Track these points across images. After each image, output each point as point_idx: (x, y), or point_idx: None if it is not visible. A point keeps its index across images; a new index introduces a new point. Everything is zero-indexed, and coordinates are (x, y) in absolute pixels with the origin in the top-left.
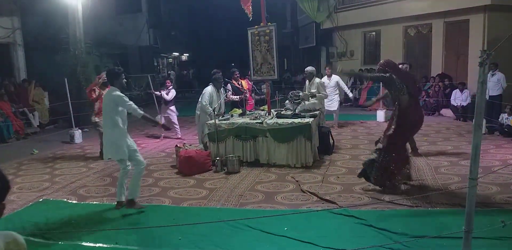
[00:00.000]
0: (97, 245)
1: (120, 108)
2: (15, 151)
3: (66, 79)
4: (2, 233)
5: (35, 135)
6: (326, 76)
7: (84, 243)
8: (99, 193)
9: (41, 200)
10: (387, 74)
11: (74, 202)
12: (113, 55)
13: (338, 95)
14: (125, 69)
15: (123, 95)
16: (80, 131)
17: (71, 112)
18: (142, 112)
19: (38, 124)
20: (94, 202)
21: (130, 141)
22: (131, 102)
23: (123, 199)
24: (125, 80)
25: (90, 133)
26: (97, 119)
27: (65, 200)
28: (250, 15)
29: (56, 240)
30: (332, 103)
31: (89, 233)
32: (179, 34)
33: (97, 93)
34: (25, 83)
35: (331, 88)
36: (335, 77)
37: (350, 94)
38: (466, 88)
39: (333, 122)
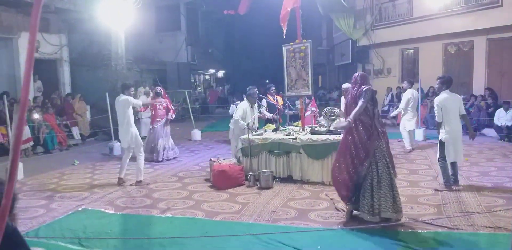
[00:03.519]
0: None
1: (129, 108)
2: (58, 161)
3: (107, 93)
4: None
5: (76, 147)
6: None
7: None
8: (135, 204)
9: (80, 209)
10: (367, 87)
11: (111, 212)
12: (152, 71)
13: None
14: (163, 85)
15: (128, 98)
16: (118, 143)
17: (111, 125)
18: (140, 102)
19: (79, 137)
20: (130, 213)
21: (138, 135)
22: (133, 101)
23: (123, 175)
24: (133, 92)
25: None
26: (156, 125)
27: (103, 210)
28: (284, 32)
29: (93, 248)
30: (410, 121)
31: (123, 243)
32: (216, 52)
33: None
34: (69, 97)
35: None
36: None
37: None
38: (511, 107)
39: (407, 144)
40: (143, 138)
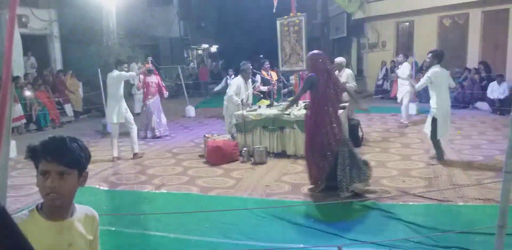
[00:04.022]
0: (127, 230)
1: (121, 83)
2: None
3: (99, 70)
4: (84, 207)
5: (70, 124)
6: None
7: (114, 228)
8: (129, 181)
9: None
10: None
11: (106, 188)
12: (145, 46)
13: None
14: (156, 60)
15: (121, 73)
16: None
17: (104, 102)
18: (134, 73)
19: (72, 114)
20: (125, 189)
21: (128, 110)
22: (126, 74)
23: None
24: (126, 69)
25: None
26: (147, 102)
27: (97, 186)
28: (275, 6)
29: None
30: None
31: (119, 219)
32: (209, 26)
33: (141, 80)
34: (60, 74)
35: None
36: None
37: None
38: (504, 80)
39: (403, 118)
40: (136, 114)
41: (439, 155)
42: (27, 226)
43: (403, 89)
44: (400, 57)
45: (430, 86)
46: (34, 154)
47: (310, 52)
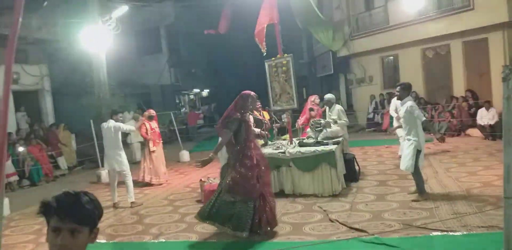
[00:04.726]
0: None
1: (119, 133)
2: (45, 193)
3: (91, 121)
4: None
5: (63, 177)
6: (394, 98)
7: None
8: (126, 231)
9: None
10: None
11: (103, 241)
12: (136, 95)
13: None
14: (148, 107)
15: (120, 125)
16: (106, 170)
17: (97, 152)
18: (133, 128)
19: (66, 167)
20: (122, 241)
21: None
22: (125, 127)
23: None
24: (121, 118)
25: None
26: (154, 148)
27: None
28: (264, 50)
29: None
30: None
31: None
32: (199, 71)
33: (146, 126)
34: (53, 127)
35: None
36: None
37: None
38: (492, 106)
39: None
40: (137, 163)
41: (422, 189)
42: None
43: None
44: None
45: (409, 118)
46: (47, 209)
47: (242, 94)
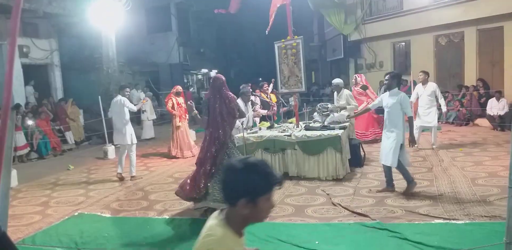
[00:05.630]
0: None
1: (125, 108)
2: (53, 167)
3: (100, 97)
4: None
5: (71, 152)
6: (420, 84)
7: None
8: (131, 207)
9: (76, 214)
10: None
11: (108, 215)
12: (145, 73)
13: (435, 107)
14: (156, 86)
15: (125, 100)
16: (113, 146)
17: (105, 129)
18: (134, 107)
19: (73, 142)
20: (127, 216)
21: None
22: (128, 105)
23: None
24: (127, 93)
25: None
26: (180, 123)
27: (99, 213)
28: (269, 28)
29: None
30: (428, 117)
31: (122, 246)
32: (208, 51)
33: (173, 101)
34: (61, 102)
35: (426, 98)
36: (432, 85)
37: (444, 109)
38: (503, 97)
39: (431, 141)
40: (147, 139)
41: (409, 178)
42: (227, 240)
43: (432, 110)
44: (421, 75)
45: (398, 108)
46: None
47: (214, 77)
